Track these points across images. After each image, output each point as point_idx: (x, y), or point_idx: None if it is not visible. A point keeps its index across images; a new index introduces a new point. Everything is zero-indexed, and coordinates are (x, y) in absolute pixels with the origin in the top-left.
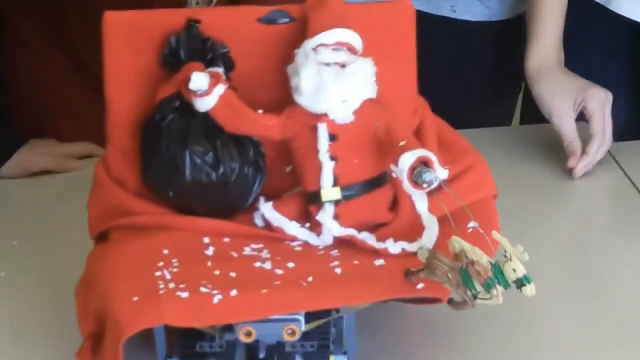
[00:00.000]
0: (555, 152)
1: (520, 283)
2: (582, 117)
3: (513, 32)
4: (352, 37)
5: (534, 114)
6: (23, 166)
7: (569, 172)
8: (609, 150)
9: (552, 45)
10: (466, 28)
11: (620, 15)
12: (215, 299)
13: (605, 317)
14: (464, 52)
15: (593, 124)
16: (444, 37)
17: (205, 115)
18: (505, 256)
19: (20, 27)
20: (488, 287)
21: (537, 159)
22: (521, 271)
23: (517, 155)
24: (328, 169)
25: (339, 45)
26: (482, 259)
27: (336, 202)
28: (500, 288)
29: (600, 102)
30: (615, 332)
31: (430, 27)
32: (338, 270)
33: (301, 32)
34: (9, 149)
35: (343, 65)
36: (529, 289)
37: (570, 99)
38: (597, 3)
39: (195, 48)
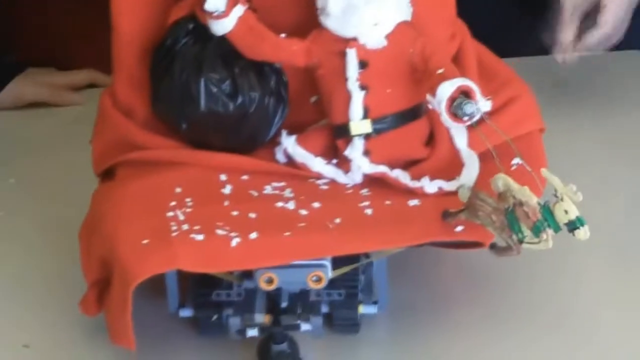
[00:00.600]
0: (612, 84)
1: (573, 226)
2: None
3: None
4: None
5: None
6: (17, 96)
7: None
8: None
9: None
10: None
11: None
12: (233, 242)
13: None
14: None
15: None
16: None
17: (222, 40)
18: (555, 196)
19: None
20: (537, 230)
21: (590, 89)
22: (574, 213)
23: (569, 85)
24: (358, 99)
25: None
26: (532, 199)
27: (366, 136)
28: (550, 231)
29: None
30: None
31: None
32: (368, 212)
33: None
34: (2, 77)
35: None
36: (583, 232)
37: None
38: None
39: None
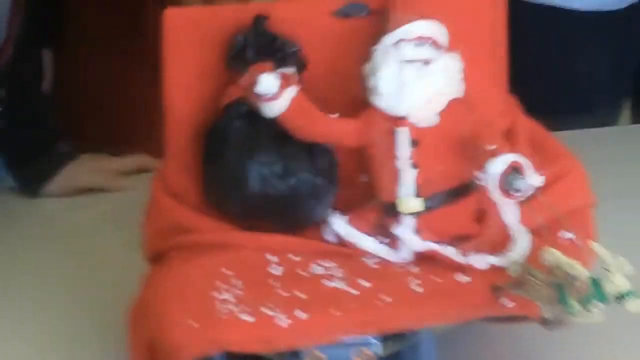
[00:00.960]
0: None
1: (623, 297)
2: None
3: (624, 24)
4: (436, 30)
5: None
6: (70, 184)
7: None
8: None
9: None
10: (573, 18)
11: None
12: (282, 322)
13: None
14: (567, 45)
15: None
16: (547, 28)
17: (274, 121)
18: (605, 269)
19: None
20: (586, 302)
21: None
22: (624, 285)
23: (624, 158)
24: (409, 178)
25: (422, 40)
26: (582, 274)
27: (417, 214)
28: (599, 304)
29: None
30: None
31: (532, 16)
32: (418, 289)
33: (380, 26)
34: (56, 164)
35: (427, 62)
36: (634, 303)
37: None
38: None
39: (263, 46)
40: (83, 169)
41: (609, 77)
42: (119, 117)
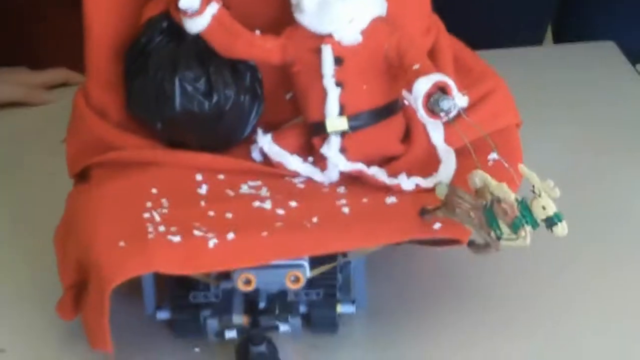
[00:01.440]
0: (591, 76)
1: (551, 222)
2: None
3: None
4: None
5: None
6: None
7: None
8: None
9: None
10: None
11: None
12: (211, 243)
13: None
14: None
15: None
16: None
17: (197, 38)
18: (533, 192)
19: None
20: (515, 227)
21: (569, 81)
22: (552, 209)
23: (546, 78)
24: (334, 96)
25: None
26: (509, 195)
27: (343, 134)
28: (528, 228)
29: None
30: None
31: None
32: (345, 210)
33: None
34: None
35: None
36: (561, 228)
37: None
38: None
39: None
40: (4, 82)
41: None
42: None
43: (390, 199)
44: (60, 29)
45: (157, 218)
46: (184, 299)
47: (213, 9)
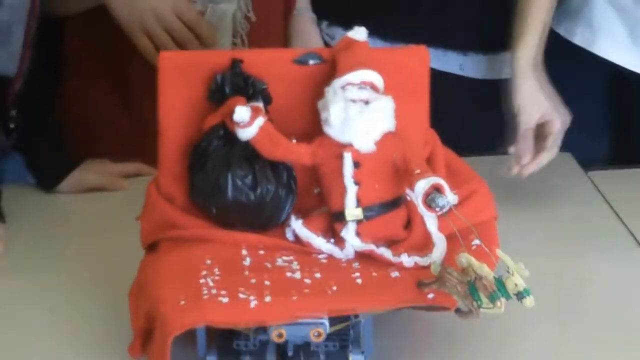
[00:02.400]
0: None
1: (521, 296)
2: None
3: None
4: (375, 77)
5: None
6: (79, 183)
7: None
8: (590, 177)
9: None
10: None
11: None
12: (252, 304)
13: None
14: (469, 105)
15: (551, 140)
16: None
17: (246, 143)
18: (507, 271)
19: (80, 57)
20: (493, 299)
21: (535, 185)
22: (522, 285)
23: (517, 181)
24: (352, 192)
25: (363, 84)
26: (489, 274)
27: (358, 221)
28: (503, 300)
29: (563, 126)
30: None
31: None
32: (359, 281)
33: (330, 72)
34: (67, 167)
35: (367, 102)
36: (529, 301)
37: (541, 110)
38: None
39: (238, 84)
40: (89, 171)
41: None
42: (118, 136)
43: (394, 273)
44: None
45: (211, 283)
46: (229, 346)
47: (260, 121)
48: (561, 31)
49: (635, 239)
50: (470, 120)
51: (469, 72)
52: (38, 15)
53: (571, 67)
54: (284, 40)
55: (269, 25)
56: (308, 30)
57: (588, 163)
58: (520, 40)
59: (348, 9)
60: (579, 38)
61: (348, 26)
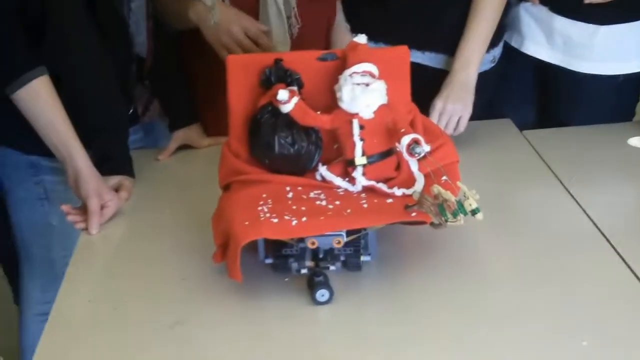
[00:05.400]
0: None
1: (474, 212)
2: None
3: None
4: (372, 68)
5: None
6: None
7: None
8: (524, 136)
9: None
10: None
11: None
12: (293, 223)
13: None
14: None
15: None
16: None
17: (287, 115)
18: (464, 196)
19: (202, 45)
20: (455, 215)
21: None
22: (475, 205)
23: (476, 138)
24: (359, 146)
25: (364, 73)
26: (452, 198)
27: (364, 165)
28: (461, 215)
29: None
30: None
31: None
32: (365, 206)
33: (342, 65)
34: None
35: (367, 85)
36: (479, 215)
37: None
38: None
39: (280, 75)
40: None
41: None
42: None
43: (389, 200)
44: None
45: (265, 209)
46: (279, 251)
47: (295, 100)
48: (505, 38)
49: (557, 176)
50: None
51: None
52: (152, 14)
53: (510, 61)
54: (326, 45)
55: (316, 32)
56: (343, 38)
57: (521, 126)
58: (461, 55)
59: (373, 25)
60: (514, 42)
61: (371, 36)
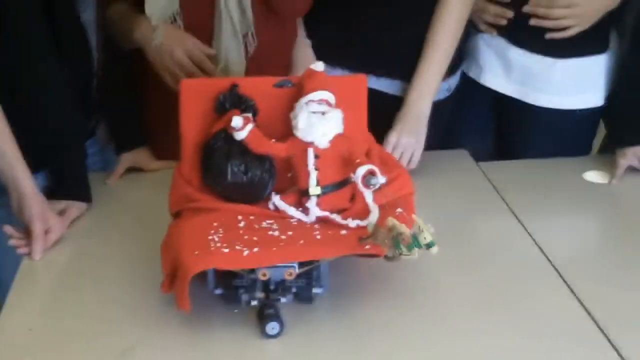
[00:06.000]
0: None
1: (429, 245)
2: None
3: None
4: (329, 96)
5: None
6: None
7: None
8: (479, 167)
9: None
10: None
11: (487, 86)
12: (245, 253)
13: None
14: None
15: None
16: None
17: (240, 142)
18: (419, 229)
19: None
20: (409, 248)
21: (437, 169)
22: (429, 238)
23: (431, 168)
24: (313, 175)
25: (321, 101)
26: (406, 231)
27: (318, 196)
28: (416, 249)
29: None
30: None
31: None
32: (318, 237)
33: (299, 92)
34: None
35: (324, 113)
36: (434, 249)
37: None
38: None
39: (234, 101)
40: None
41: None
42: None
43: (343, 231)
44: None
45: (216, 239)
46: (229, 283)
47: (249, 127)
48: (463, 68)
49: (510, 208)
50: None
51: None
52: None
53: (466, 95)
54: (286, 65)
55: (275, 52)
56: (305, 54)
57: (478, 157)
58: (416, 86)
59: (332, 46)
60: (472, 73)
61: (328, 59)
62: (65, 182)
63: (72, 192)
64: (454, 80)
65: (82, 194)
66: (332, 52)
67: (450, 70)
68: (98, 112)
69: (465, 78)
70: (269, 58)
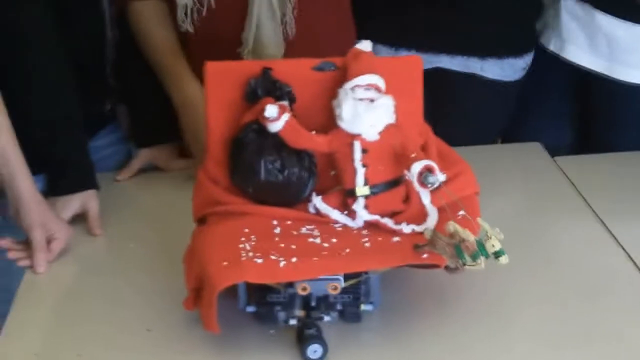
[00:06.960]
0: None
1: (497, 254)
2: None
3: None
4: (378, 80)
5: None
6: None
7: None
8: (556, 162)
9: None
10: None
11: (569, 60)
12: (281, 264)
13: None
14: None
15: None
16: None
17: (275, 135)
18: (486, 236)
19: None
20: (474, 257)
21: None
22: (498, 246)
23: (499, 164)
24: (361, 173)
25: (369, 86)
26: (470, 238)
27: (366, 197)
28: (482, 258)
29: None
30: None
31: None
32: (367, 245)
33: (342, 77)
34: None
35: (372, 100)
36: (504, 259)
37: None
38: (551, 51)
39: (268, 88)
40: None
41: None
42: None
43: (396, 238)
44: None
45: (248, 247)
46: (263, 298)
47: (286, 117)
48: (541, 41)
49: (593, 210)
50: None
51: (488, 74)
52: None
53: (540, 74)
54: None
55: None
56: None
57: (554, 151)
58: None
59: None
60: (553, 46)
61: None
62: (69, 168)
63: (80, 180)
64: (529, 58)
65: (90, 179)
66: (396, 32)
67: (526, 47)
68: (115, 97)
69: (536, 54)
70: (309, 45)
